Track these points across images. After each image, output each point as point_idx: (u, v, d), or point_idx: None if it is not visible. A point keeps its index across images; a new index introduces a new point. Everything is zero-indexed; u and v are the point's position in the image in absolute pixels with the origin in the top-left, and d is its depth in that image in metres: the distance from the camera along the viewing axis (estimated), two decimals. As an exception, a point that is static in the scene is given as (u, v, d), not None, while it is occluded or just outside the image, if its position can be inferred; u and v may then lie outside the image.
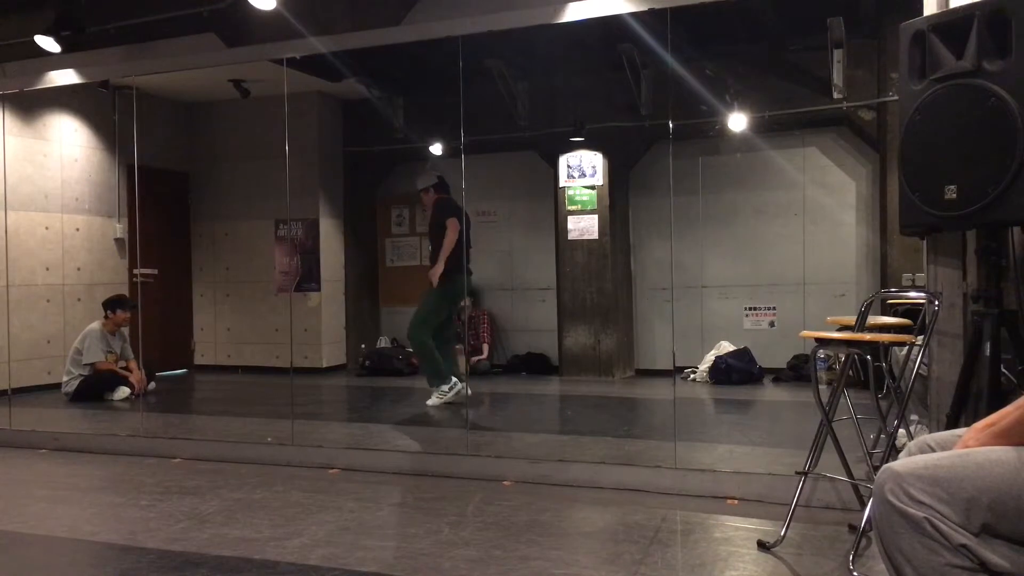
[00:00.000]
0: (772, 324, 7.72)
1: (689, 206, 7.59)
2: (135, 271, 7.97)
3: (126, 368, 6.97)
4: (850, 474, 3.16)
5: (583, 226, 7.81)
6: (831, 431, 3.07)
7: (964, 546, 1.52)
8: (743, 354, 7.39)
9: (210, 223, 9.06)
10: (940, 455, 1.67)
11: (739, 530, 3.31)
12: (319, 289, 8.55)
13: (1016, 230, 2.88)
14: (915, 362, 3.10)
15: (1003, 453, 1.60)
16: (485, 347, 8.32)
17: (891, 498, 1.58)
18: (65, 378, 6.88)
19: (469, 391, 6.12)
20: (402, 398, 7.23)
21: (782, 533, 3.05)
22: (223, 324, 9.00)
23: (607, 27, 5.13)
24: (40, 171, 7.48)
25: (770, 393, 6.97)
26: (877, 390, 3.81)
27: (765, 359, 7.42)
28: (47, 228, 7.50)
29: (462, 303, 6.63)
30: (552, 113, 7.92)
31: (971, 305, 3.07)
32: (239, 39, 5.42)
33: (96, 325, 6.97)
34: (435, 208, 6.20)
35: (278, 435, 5.01)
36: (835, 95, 6.80)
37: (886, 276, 6.89)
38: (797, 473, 3.14)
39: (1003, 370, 2.71)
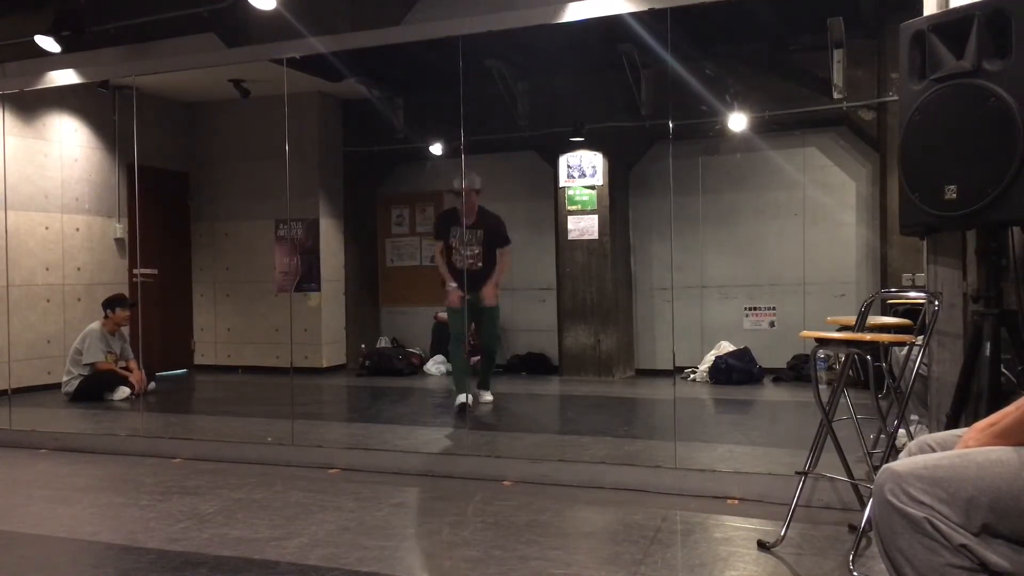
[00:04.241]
0: (772, 324, 7.72)
1: (689, 206, 7.59)
2: (135, 271, 7.97)
3: (126, 368, 6.97)
4: (850, 474, 3.16)
5: (583, 226, 7.81)
6: (831, 431, 3.07)
7: (964, 546, 1.52)
8: (743, 354, 7.39)
9: (210, 223, 9.06)
10: (940, 455, 1.67)
11: (739, 530, 3.31)
12: (319, 289, 8.55)
13: (1016, 230, 2.88)
14: (915, 362, 3.09)
15: (1003, 453, 1.60)
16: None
17: (891, 498, 1.58)
18: (65, 378, 6.88)
19: (470, 399, 6.07)
20: (402, 398, 7.23)
21: (782, 533, 3.05)
22: (223, 324, 9.00)
23: (607, 27, 5.12)
24: (40, 171, 7.48)
25: (770, 393, 6.97)
26: (877, 390, 3.81)
27: (765, 359, 7.43)
28: (47, 228, 7.50)
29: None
30: (552, 113, 7.92)
31: (971, 305, 3.07)
32: (239, 39, 5.42)
33: (96, 325, 6.97)
34: (480, 216, 6.07)
35: (278, 435, 5.01)
36: (835, 95, 6.81)
37: (886, 276, 6.90)
38: (797, 473, 3.14)
39: (1003, 370, 2.71)
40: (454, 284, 5.97)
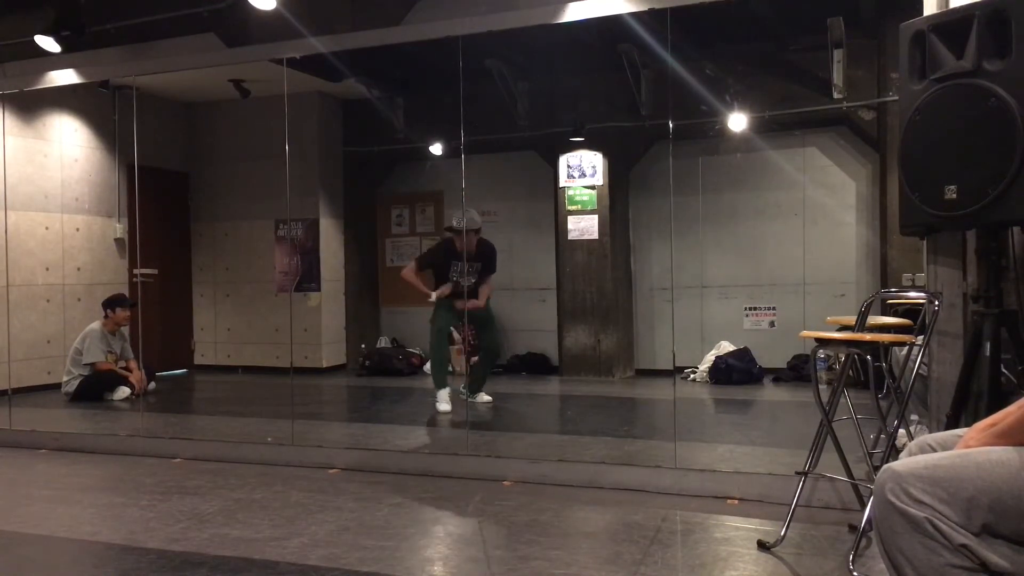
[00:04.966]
0: (772, 324, 7.72)
1: (689, 206, 7.59)
2: (135, 271, 7.97)
3: (126, 368, 6.97)
4: (850, 474, 3.16)
5: (583, 226, 7.81)
6: (831, 431, 3.07)
7: (964, 546, 1.52)
8: (743, 354, 7.39)
9: (210, 223, 9.06)
10: (940, 455, 1.67)
11: (739, 530, 3.31)
12: (319, 289, 8.55)
13: (1016, 230, 2.88)
14: (915, 362, 3.09)
15: (1004, 453, 1.60)
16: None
17: (891, 498, 1.58)
18: (65, 378, 6.87)
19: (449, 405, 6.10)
20: (402, 398, 7.23)
21: (782, 533, 3.05)
22: (223, 324, 9.00)
23: (607, 27, 5.13)
24: (40, 171, 7.48)
25: (770, 393, 6.97)
26: (877, 390, 3.81)
27: (765, 359, 7.42)
28: (47, 228, 7.50)
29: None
30: (552, 113, 7.92)
31: (971, 305, 3.07)
32: (239, 39, 5.41)
33: (96, 325, 6.97)
34: (479, 248, 6.14)
35: (278, 435, 5.01)
36: (835, 95, 6.80)
37: (886, 276, 6.89)
38: (797, 473, 3.14)
39: (1003, 370, 2.71)
40: (445, 288, 6.00)
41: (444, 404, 5.89)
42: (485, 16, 4.53)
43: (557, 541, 3.19)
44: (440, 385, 5.96)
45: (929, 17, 2.89)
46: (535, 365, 8.26)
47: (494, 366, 6.66)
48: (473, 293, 6.05)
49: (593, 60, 7.21)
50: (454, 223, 6.10)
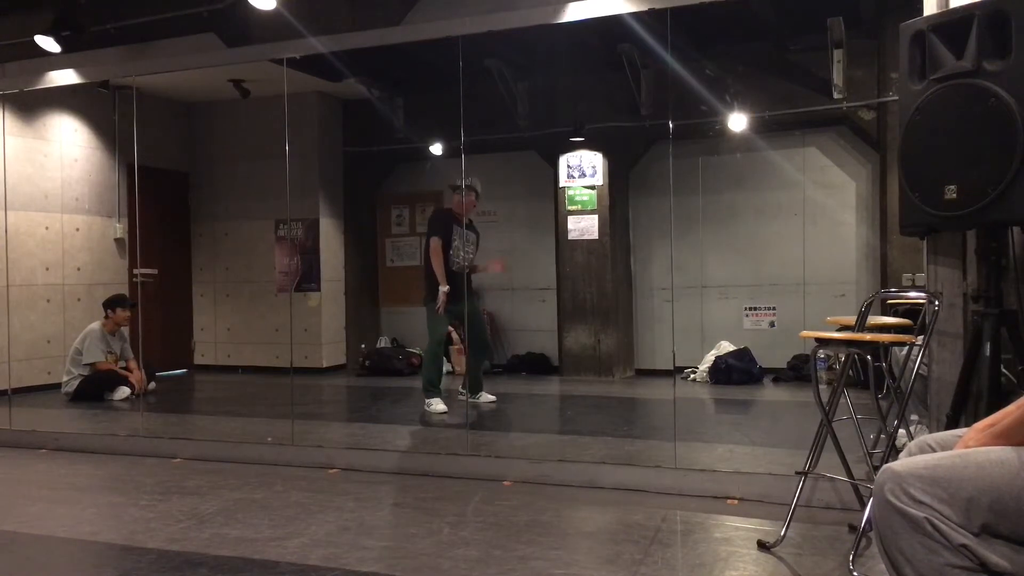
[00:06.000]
0: (772, 324, 7.72)
1: (689, 206, 7.59)
2: (135, 271, 7.97)
3: (126, 368, 6.97)
4: (850, 474, 3.16)
5: (583, 226, 7.81)
6: (831, 431, 3.07)
7: (964, 546, 1.52)
8: (743, 354, 7.39)
9: (210, 223, 9.06)
10: (940, 455, 1.67)
11: (739, 530, 3.31)
12: (319, 289, 8.55)
13: (1016, 230, 2.88)
14: (915, 362, 3.09)
15: (1003, 453, 1.60)
16: (485, 347, 8.31)
17: (891, 498, 1.58)
18: (65, 378, 6.88)
19: (469, 397, 6.14)
20: (402, 398, 7.23)
21: (782, 533, 3.05)
22: (223, 324, 9.00)
23: (607, 27, 5.13)
24: (40, 171, 7.48)
25: (770, 393, 6.97)
26: (877, 390, 3.81)
27: (765, 359, 7.42)
28: (47, 228, 7.50)
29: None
30: (552, 113, 7.92)
31: (971, 305, 3.07)
32: (239, 39, 5.41)
33: (96, 325, 6.97)
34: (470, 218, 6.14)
35: (278, 435, 5.01)
36: (835, 95, 6.80)
37: (886, 276, 6.89)
38: (797, 473, 3.14)
39: (1003, 370, 2.71)
40: (447, 288, 5.82)
41: (439, 405, 5.84)
42: (485, 16, 4.53)
43: (557, 541, 3.19)
44: (430, 396, 5.89)
45: (929, 17, 2.89)
46: (535, 365, 8.26)
47: (484, 360, 6.56)
48: (467, 276, 5.96)
49: (593, 60, 7.21)
50: (458, 182, 5.88)
